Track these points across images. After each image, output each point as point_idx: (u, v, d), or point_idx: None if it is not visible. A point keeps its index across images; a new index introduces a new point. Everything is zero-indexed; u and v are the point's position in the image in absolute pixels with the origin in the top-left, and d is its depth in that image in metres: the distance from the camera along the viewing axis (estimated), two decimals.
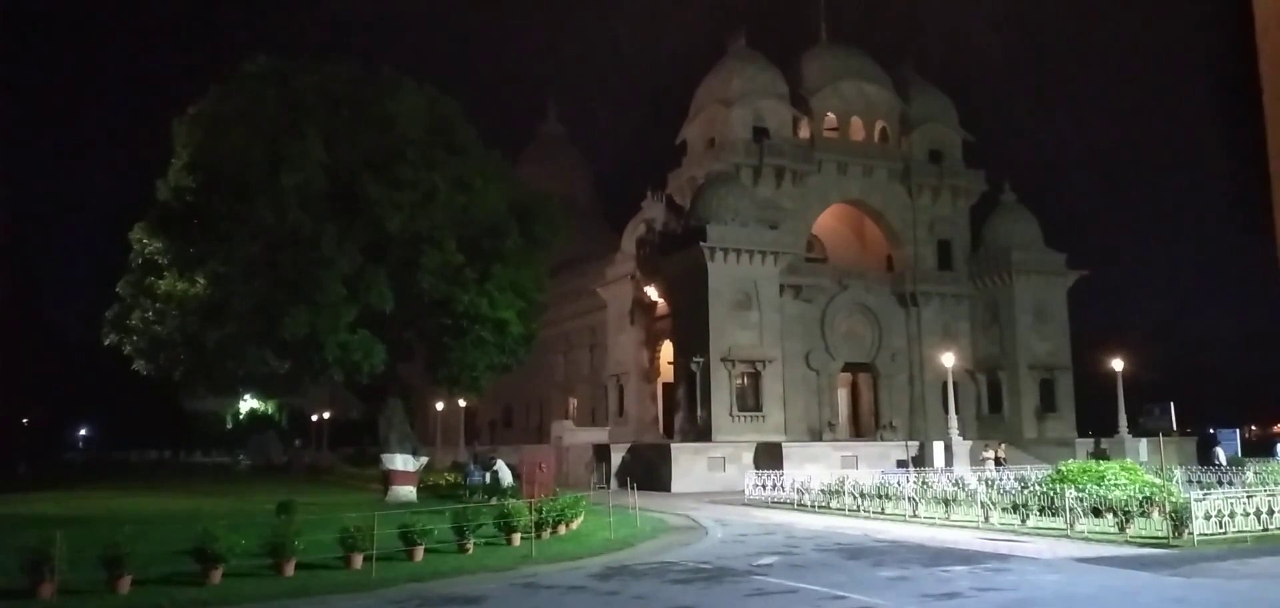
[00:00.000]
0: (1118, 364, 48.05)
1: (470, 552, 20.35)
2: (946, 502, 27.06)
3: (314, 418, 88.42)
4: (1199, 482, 31.74)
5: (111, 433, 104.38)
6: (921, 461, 44.05)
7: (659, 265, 58.76)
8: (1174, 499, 21.64)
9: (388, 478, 37.64)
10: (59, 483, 51.82)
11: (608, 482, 45.76)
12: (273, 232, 33.17)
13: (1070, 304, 64.19)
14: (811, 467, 38.75)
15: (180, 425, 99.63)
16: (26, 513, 30.84)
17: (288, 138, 33.41)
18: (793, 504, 32.55)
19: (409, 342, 39.28)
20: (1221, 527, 21.07)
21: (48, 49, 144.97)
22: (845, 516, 29.14)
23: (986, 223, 65.99)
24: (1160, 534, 21.21)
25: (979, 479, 29.17)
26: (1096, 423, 58.16)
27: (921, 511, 27.46)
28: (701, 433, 51.94)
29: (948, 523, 25.79)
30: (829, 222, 65.14)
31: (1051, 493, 24.14)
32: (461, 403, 63.91)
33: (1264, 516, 21.62)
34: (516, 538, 21.43)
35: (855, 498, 29.99)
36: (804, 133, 63.12)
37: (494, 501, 28.61)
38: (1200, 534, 20.61)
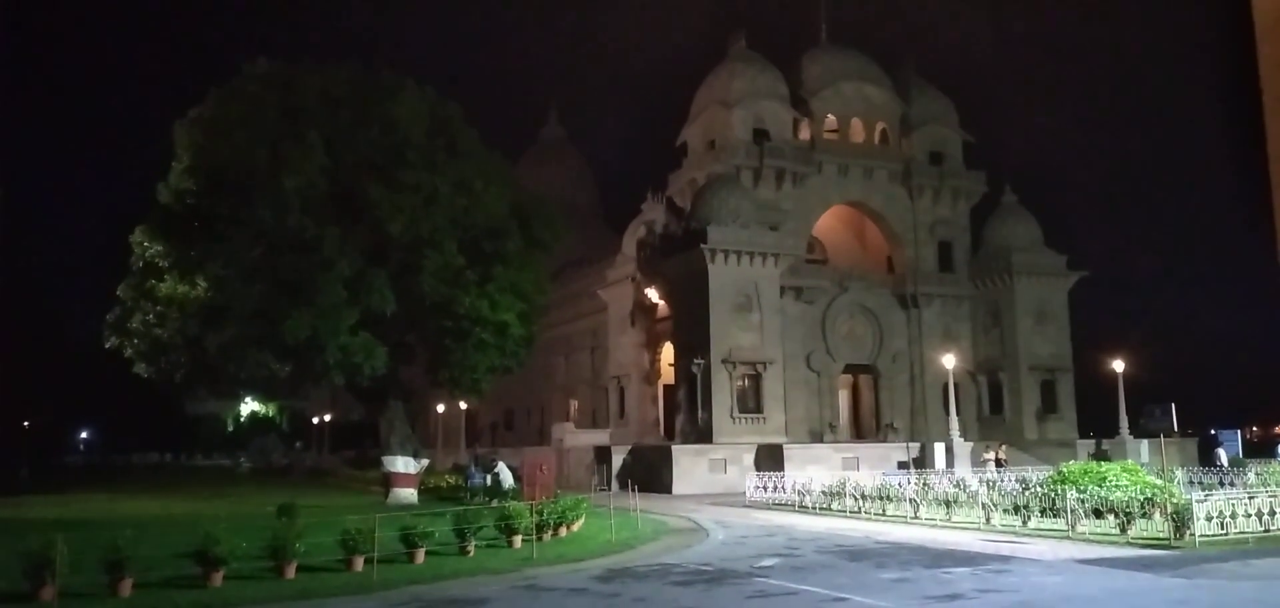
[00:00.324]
0: (1119, 365, 48.02)
1: (471, 554, 20.35)
2: (948, 503, 27.05)
3: (315, 421, 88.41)
4: (1200, 483, 31.70)
5: (112, 436, 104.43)
6: (922, 462, 44.03)
7: (660, 267, 58.76)
8: (1175, 501, 21.62)
9: (389, 480, 37.65)
10: (60, 486, 51.77)
11: (609, 484, 45.73)
12: (274, 234, 33.20)
13: (1071, 305, 64.21)
14: (812, 469, 38.72)
15: (181, 428, 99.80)
16: (28, 516, 30.83)
17: (289, 141, 33.44)
18: (794, 506, 32.54)
19: (410, 344, 39.31)
20: (1223, 528, 21.05)
21: (49, 53, 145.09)
22: (846, 517, 29.12)
23: (987, 224, 66.01)
24: (1162, 536, 21.19)
25: (980, 481, 29.16)
26: (1097, 424, 58.15)
27: (923, 512, 27.44)
28: (702, 435, 51.92)
29: (949, 525, 25.77)
30: (829, 223, 65.15)
31: (1053, 494, 24.12)
32: (462, 405, 63.87)
33: (1266, 517, 21.60)
34: (517, 540, 21.43)
35: (856, 500, 29.98)
36: (804, 134, 63.13)
37: (495, 503, 28.62)
38: (1202, 536, 20.59)
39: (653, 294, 59.86)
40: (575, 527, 24.48)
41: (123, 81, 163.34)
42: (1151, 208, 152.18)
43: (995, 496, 26.16)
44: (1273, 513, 21.72)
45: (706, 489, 43.85)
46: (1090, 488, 23.61)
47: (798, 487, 33.21)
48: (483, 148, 38.57)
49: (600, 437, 57.07)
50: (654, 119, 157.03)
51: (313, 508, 31.24)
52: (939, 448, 45.24)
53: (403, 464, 37.57)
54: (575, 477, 50.03)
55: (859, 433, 62.32)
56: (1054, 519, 23.66)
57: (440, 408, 64.34)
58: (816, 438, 56.79)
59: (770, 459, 44.87)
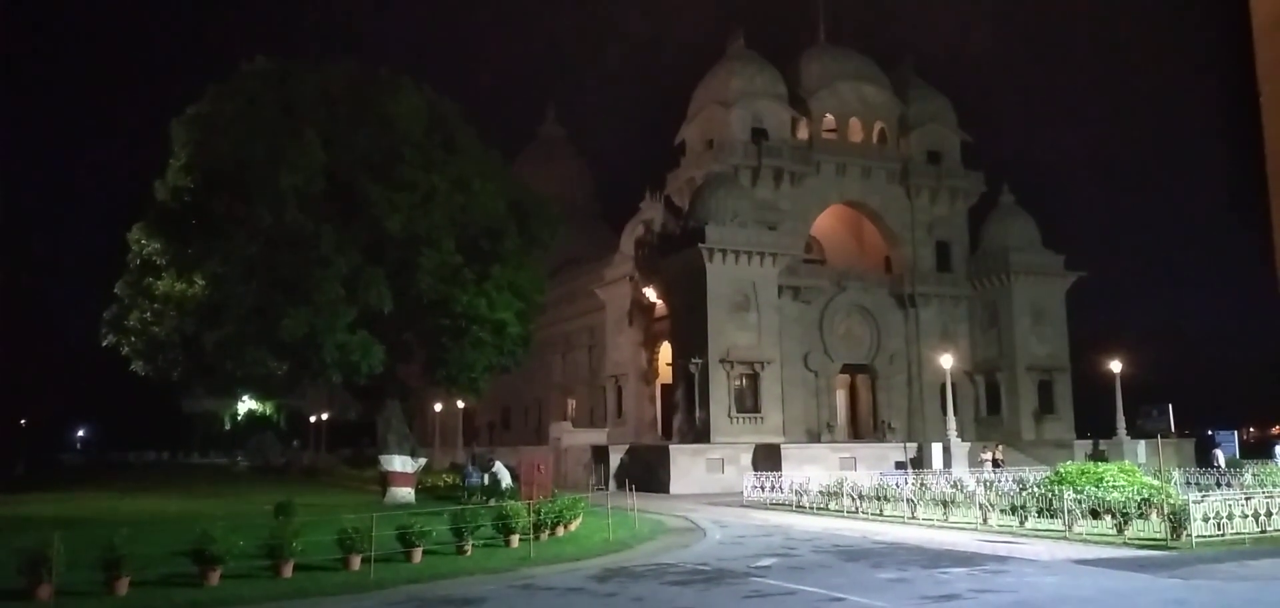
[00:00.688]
0: (1116, 366, 48.06)
1: (469, 553, 20.34)
2: (945, 503, 27.07)
3: (312, 419, 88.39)
4: (1197, 484, 31.75)
5: (110, 434, 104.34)
6: (920, 462, 44.06)
7: (657, 266, 58.77)
8: (1172, 501, 21.65)
9: (386, 479, 37.61)
10: (57, 484, 51.76)
11: (606, 483, 45.75)
12: (271, 232, 33.14)
13: (1068, 306, 64.27)
14: (810, 468, 38.75)
15: (178, 427, 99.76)
16: (24, 514, 30.80)
17: (286, 138, 33.36)
18: (791, 506, 32.55)
19: (407, 343, 39.25)
20: (1220, 529, 21.08)
21: (46, 50, 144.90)
22: (844, 517, 29.13)
23: (985, 224, 66.05)
24: (1159, 536, 21.22)
25: (977, 481, 29.20)
26: (1095, 425, 58.19)
27: (920, 512, 27.46)
28: (700, 434, 51.93)
29: (946, 525, 25.79)
30: (827, 223, 65.17)
31: (1050, 495, 24.14)
32: (460, 404, 63.89)
33: (1262, 517, 21.64)
34: (515, 540, 21.43)
35: (853, 500, 29.99)
36: (802, 134, 63.15)
37: (492, 502, 28.59)
38: (1198, 536, 20.61)
39: (650, 293, 59.87)
40: (572, 526, 24.47)
41: (120, 79, 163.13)
42: (1149, 209, 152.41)
43: (992, 496, 26.20)
44: (1269, 514, 21.76)
45: (704, 489, 43.86)
46: (1087, 489, 23.64)
47: (795, 487, 33.22)
48: (480, 146, 38.53)
49: (598, 436, 57.07)
50: (652, 118, 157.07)
51: (310, 507, 31.22)
52: (936, 448, 45.26)
53: (400, 463, 37.52)
54: (573, 476, 50.04)
55: (856, 433, 62.35)
56: (1051, 520, 23.68)
57: (438, 407, 64.35)
58: (814, 438, 56.81)
59: (768, 459, 44.89)
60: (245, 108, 34.47)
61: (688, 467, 46.34)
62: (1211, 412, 71.41)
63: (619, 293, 63.39)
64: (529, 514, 21.81)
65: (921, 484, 29.34)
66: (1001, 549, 20.89)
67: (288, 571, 17.67)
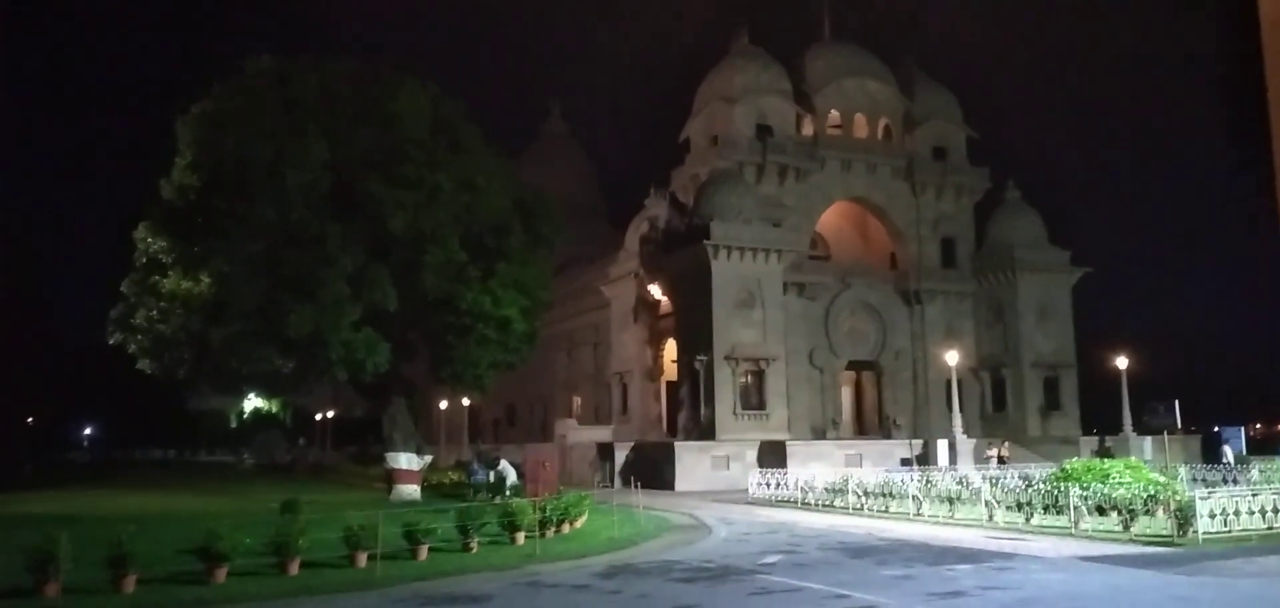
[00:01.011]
0: (1122, 362, 47.98)
1: (474, 551, 20.36)
2: (951, 500, 27.03)
3: (318, 417, 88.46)
4: (1204, 480, 31.68)
5: (116, 432, 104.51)
6: (925, 459, 44.03)
7: (662, 263, 58.75)
8: (1179, 498, 21.59)
9: (392, 477, 37.68)
10: (63, 482, 51.88)
11: (611, 480, 45.76)
12: (276, 230, 33.22)
13: (1074, 302, 64.16)
14: (815, 465, 38.74)
15: (184, 425, 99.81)
16: (31, 512, 30.89)
17: (291, 136, 33.43)
18: (796, 503, 32.53)
19: (413, 340, 39.30)
20: (1227, 525, 21.02)
21: (51, 49, 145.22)
22: (849, 514, 29.11)
23: (990, 220, 65.94)
24: (1165, 533, 21.17)
25: (983, 478, 29.14)
26: (1101, 421, 58.11)
27: (925, 509, 27.42)
28: (705, 431, 51.93)
29: (952, 522, 25.75)
30: (832, 219, 65.08)
31: (1056, 491, 24.10)
32: (465, 402, 63.93)
33: (1269, 514, 21.58)
34: (521, 537, 21.44)
35: (859, 497, 29.96)
36: (807, 130, 63.07)
37: (498, 499, 28.64)
38: (1205, 533, 20.57)
39: (655, 290, 59.87)
40: (578, 523, 24.49)
41: (125, 77, 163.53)
42: (1155, 204, 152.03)
43: (998, 493, 26.15)
44: (1276, 510, 21.71)
45: (709, 486, 43.86)
46: (1093, 485, 23.59)
47: (800, 484, 33.21)
48: (485, 144, 38.55)
49: (603, 433, 57.10)
50: (657, 115, 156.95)
51: (316, 504, 31.25)
52: (942, 445, 45.22)
53: (406, 461, 37.58)
54: (578, 473, 50.06)
55: (862, 430, 62.30)
56: (1057, 516, 23.64)
57: (443, 404, 64.42)
58: (819, 435, 56.79)
59: (773, 456, 44.88)
60: (250, 106, 34.53)
61: (693, 464, 46.34)
62: (1218, 408, 71.23)
63: (624, 290, 63.38)
64: (534, 512, 21.83)
65: (927, 481, 29.30)
66: (1007, 546, 20.86)
67: (294, 568, 17.70)
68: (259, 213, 32.92)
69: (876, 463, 41.10)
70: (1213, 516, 20.96)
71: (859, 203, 65.29)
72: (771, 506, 33.17)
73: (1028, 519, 24.27)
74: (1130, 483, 23.40)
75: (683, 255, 55.79)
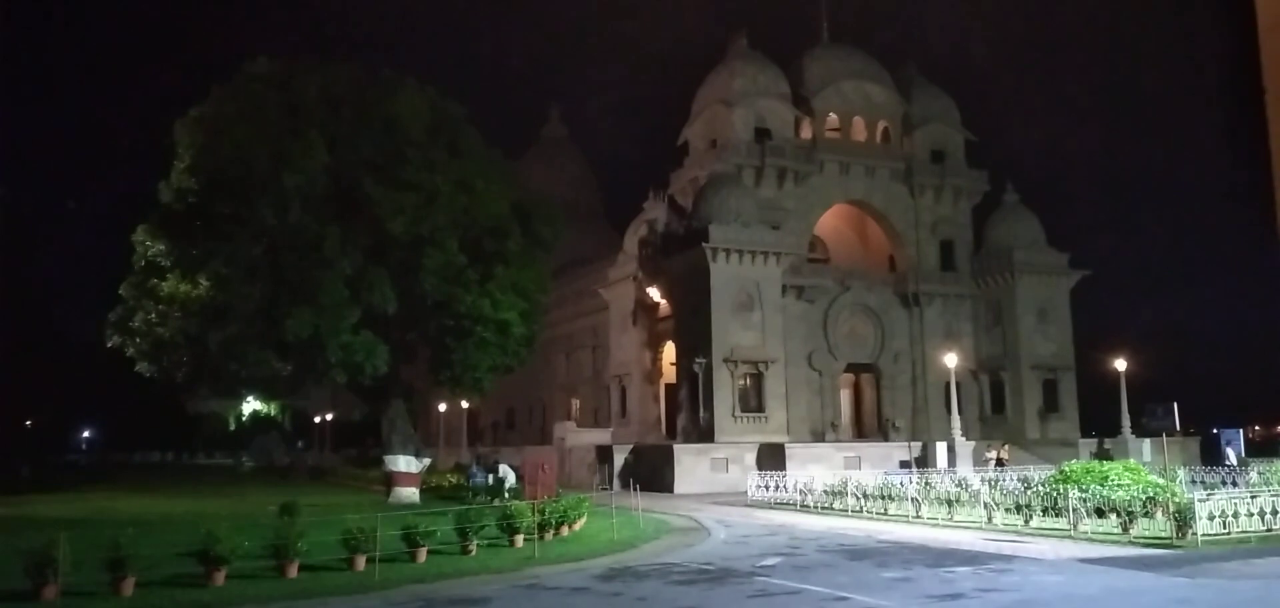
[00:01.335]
0: (1121, 364, 47.98)
1: (473, 554, 20.35)
2: (950, 503, 27.03)
3: (317, 420, 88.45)
4: (1203, 482, 31.69)
5: (114, 435, 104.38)
6: (924, 461, 43.98)
7: (661, 266, 58.77)
8: (1177, 500, 21.61)
9: (390, 480, 37.66)
10: (62, 485, 51.79)
11: (610, 483, 45.71)
12: (275, 233, 33.22)
13: (1073, 304, 64.20)
14: (814, 468, 38.71)
15: (183, 427, 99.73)
16: (30, 515, 30.85)
17: (290, 139, 33.44)
18: (795, 505, 32.52)
19: (411, 343, 39.31)
20: (1226, 528, 21.04)
21: (50, 51, 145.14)
22: (848, 517, 29.11)
23: (989, 223, 66.00)
24: (1164, 535, 21.18)
25: (982, 480, 29.14)
26: (1099, 423, 58.10)
27: (924, 511, 27.42)
28: (704, 434, 51.92)
29: (951, 524, 25.75)
30: (831, 222, 65.13)
31: (1055, 494, 24.10)
32: (464, 404, 63.91)
33: (1268, 516, 21.59)
34: (519, 540, 21.43)
35: (858, 499, 29.96)
36: (806, 133, 63.12)
37: (497, 502, 28.60)
38: (1204, 535, 20.58)
39: (654, 293, 59.88)
40: (577, 526, 24.47)
41: (124, 80, 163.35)
42: (1153, 206, 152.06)
43: (997, 495, 26.15)
44: (1275, 512, 21.72)
45: (708, 488, 43.84)
46: (1092, 487, 23.59)
47: (799, 486, 33.20)
48: (484, 146, 38.57)
49: (602, 436, 57.08)
50: (655, 118, 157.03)
51: (314, 507, 31.26)
52: (941, 447, 45.21)
53: (404, 463, 37.57)
54: (577, 476, 50.04)
55: (861, 432, 62.31)
56: (1056, 519, 23.64)
57: (442, 407, 64.37)
58: (818, 437, 56.81)
59: (772, 458, 44.86)
60: (249, 109, 34.53)
61: (692, 466, 46.32)
62: (1216, 410, 71.19)
63: (623, 293, 63.39)
64: (533, 514, 21.81)
65: (926, 483, 29.29)
66: (1007, 548, 20.86)
67: (293, 571, 17.70)
68: (258, 216, 32.92)
69: (875, 465, 41.06)
70: (1212, 518, 20.97)
71: (858, 206, 65.34)
72: (770, 508, 33.16)
73: (1027, 522, 24.27)
74: (1129, 485, 23.41)
75: (681, 258, 55.81)
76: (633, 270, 61.93)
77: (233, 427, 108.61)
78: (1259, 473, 31.61)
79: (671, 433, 57.34)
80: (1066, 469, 26.10)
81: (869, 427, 62.94)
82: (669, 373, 59.87)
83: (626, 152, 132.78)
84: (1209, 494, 22.60)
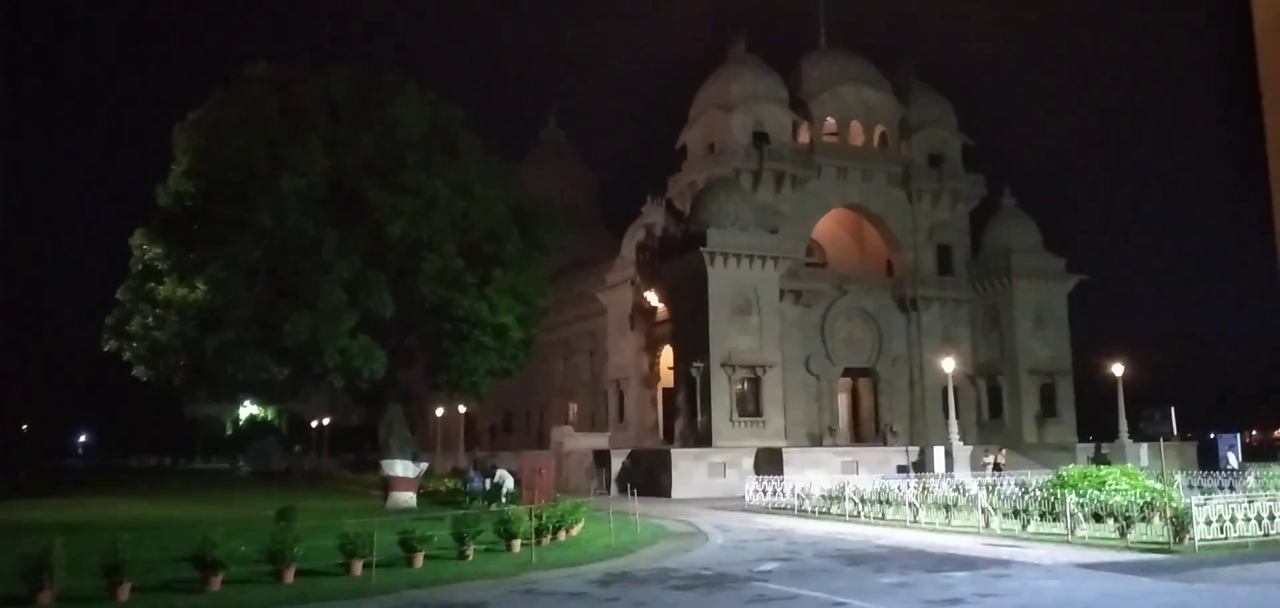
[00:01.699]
0: (1118, 369, 47.99)
1: (470, 559, 20.30)
2: (947, 507, 27.01)
3: (314, 424, 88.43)
4: (1200, 487, 31.70)
5: (111, 439, 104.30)
6: (922, 466, 44.02)
7: (659, 270, 58.77)
8: (1175, 505, 21.60)
9: (388, 484, 37.58)
10: (59, 489, 51.71)
11: (608, 488, 45.71)
12: (273, 237, 33.17)
13: (1070, 309, 64.23)
14: (812, 472, 38.72)
15: (180, 432, 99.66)
16: (26, 520, 30.80)
17: (288, 143, 33.41)
18: (793, 510, 32.49)
19: (409, 347, 39.25)
20: (1223, 532, 21.03)
21: (49, 55, 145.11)
22: (846, 521, 29.08)
23: (986, 227, 66.05)
24: (1161, 540, 21.18)
25: (980, 485, 29.13)
26: (1097, 428, 58.12)
27: (922, 516, 27.41)
28: (702, 438, 51.89)
29: (949, 529, 25.74)
30: (829, 226, 65.17)
31: (1052, 498, 24.11)
32: (461, 409, 63.84)
33: (1265, 521, 21.57)
34: (516, 545, 21.40)
35: (856, 504, 29.94)
36: (803, 137, 63.17)
37: (494, 507, 28.57)
38: (1201, 540, 20.57)
39: (652, 297, 59.87)
40: (574, 531, 24.44)
41: (122, 83, 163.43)
42: (1151, 211, 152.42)
43: (995, 499, 26.16)
44: (1272, 517, 21.70)
45: (706, 493, 43.80)
46: (1090, 492, 23.60)
47: (797, 491, 33.18)
48: (482, 150, 38.55)
49: (599, 440, 57.02)
50: (653, 122, 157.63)
51: (311, 512, 31.18)
52: (938, 452, 45.23)
53: (402, 468, 37.50)
54: (574, 480, 49.98)
55: (858, 437, 62.31)
56: (1053, 523, 23.64)
57: (439, 411, 64.32)
58: (816, 442, 56.79)
59: (769, 463, 44.84)
60: (247, 112, 34.51)
61: (689, 471, 46.29)
62: (1214, 415, 71.34)
63: (620, 297, 63.38)
64: (530, 519, 21.77)
65: (924, 488, 29.29)
66: (1004, 553, 20.85)
67: (289, 576, 17.65)
68: (256, 219, 32.87)
69: (873, 470, 41.06)
70: (1209, 523, 20.97)
71: (855, 210, 65.38)
72: (768, 513, 33.13)
73: (1024, 526, 24.27)
74: (1126, 490, 23.43)
75: (679, 262, 55.82)
76: (630, 274, 61.92)
77: (230, 431, 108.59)
78: (1256, 478, 31.62)
79: (669, 437, 57.31)
80: (1064, 474, 26.13)
81: (866, 431, 62.94)
82: (667, 377, 59.86)
83: (624, 156, 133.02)
84: (1206, 499, 22.60)
